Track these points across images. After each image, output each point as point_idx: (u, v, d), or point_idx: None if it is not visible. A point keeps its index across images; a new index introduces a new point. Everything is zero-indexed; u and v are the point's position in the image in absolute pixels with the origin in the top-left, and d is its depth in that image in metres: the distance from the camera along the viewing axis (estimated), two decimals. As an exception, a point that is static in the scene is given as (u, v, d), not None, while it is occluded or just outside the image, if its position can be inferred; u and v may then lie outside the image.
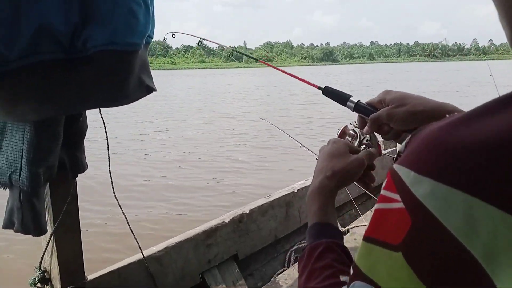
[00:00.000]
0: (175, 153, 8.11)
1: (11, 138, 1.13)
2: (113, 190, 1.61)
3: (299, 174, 6.20)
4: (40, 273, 1.49)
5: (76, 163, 1.30)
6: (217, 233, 2.24)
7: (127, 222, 1.67)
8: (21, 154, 1.11)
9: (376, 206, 0.48)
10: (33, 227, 1.17)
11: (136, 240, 1.70)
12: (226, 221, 2.31)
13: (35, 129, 1.08)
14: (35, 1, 0.81)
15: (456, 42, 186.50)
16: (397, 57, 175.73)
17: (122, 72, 0.99)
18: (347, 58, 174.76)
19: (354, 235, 2.90)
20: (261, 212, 2.52)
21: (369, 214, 3.26)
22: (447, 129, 0.45)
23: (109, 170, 1.58)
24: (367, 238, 0.48)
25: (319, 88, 1.02)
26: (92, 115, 1.32)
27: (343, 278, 0.63)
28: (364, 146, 0.96)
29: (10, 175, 1.13)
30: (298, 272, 0.71)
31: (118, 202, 1.61)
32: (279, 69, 1.38)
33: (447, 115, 0.49)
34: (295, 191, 2.78)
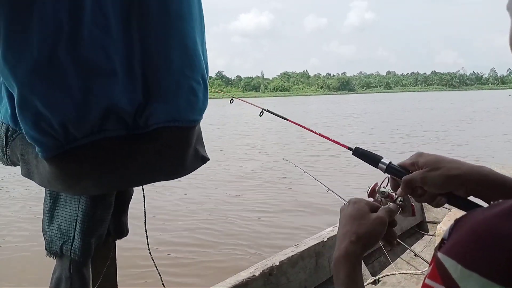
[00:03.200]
0: (196, 194, 8.06)
1: (64, 208, 1.15)
2: (149, 248, 1.60)
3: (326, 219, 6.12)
4: None
5: (121, 227, 1.31)
6: (247, 288, 2.21)
7: (161, 281, 1.65)
8: (74, 224, 1.12)
9: None
10: None
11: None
12: (256, 274, 2.27)
13: (91, 200, 1.10)
14: (104, 84, 0.84)
15: (474, 72, 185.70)
16: (414, 86, 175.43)
17: (182, 147, 1.02)
18: (363, 87, 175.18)
19: (385, 284, 2.83)
20: (291, 263, 2.48)
21: (399, 262, 3.18)
22: (496, 220, 0.43)
23: (145, 228, 1.57)
24: None
25: (349, 149, 1.01)
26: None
27: None
28: (398, 207, 0.93)
29: (62, 245, 1.14)
30: None
31: (154, 261, 1.59)
32: (308, 129, 1.37)
33: (492, 202, 0.49)
34: (325, 240, 2.74)
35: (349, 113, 31.38)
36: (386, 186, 0.98)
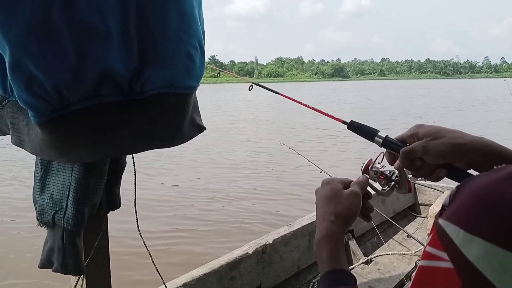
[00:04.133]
0: (190, 176, 8.08)
1: (56, 176, 1.13)
2: (137, 224, 1.58)
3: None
4: (68, 311, 1.47)
5: (114, 199, 1.29)
6: (240, 265, 2.20)
7: (151, 258, 1.63)
8: (67, 193, 1.10)
9: (420, 263, 0.46)
10: (74, 267, 1.15)
11: (161, 276, 1.67)
12: (250, 252, 2.27)
13: (84, 169, 1.07)
14: (99, 48, 0.81)
15: (467, 60, 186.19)
16: (408, 73, 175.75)
17: (178, 113, 1.00)
18: (357, 74, 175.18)
19: (378, 264, 2.84)
20: (284, 242, 2.48)
21: (391, 242, 3.20)
22: (500, 184, 0.42)
23: (135, 204, 1.55)
24: None
25: (344, 122, 0.99)
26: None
27: None
28: (393, 182, 0.93)
29: (54, 214, 1.12)
30: None
31: (142, 238, 1.57)
32: (302, 103, 1.36)
33: (495, 167, 0.48)
34: (318, 219, 2.74)
35: (344, 99, 31.39)
36: (381, 161, 0.96)
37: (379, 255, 2.90)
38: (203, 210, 5.86)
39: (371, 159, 0.97)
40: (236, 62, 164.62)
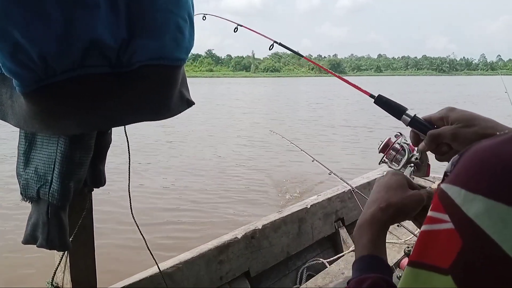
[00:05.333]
0: (184, 163, 8.08)
1: (41, 150, 1.11)
2: (130, 204, 1.57)
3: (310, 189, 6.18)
4: (52, 289, 1.46)
5: (98, 176, 1.27)
6: (229, 249, 2.20)
7: (144, 239, 1.62)
8: (52, 166, 1.08)
9: (423, 228, 0.45)
10: (59, 242, 1.13)
11: (154, 259, 1.66)
12: (239, 237, 2.27)
13: (69, 142, 1.06)
14: (87, 17, 0.79)
15: (464, 57, 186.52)
16: (405, 70, 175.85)
17: (167, 86, 0.99)
18: (354, 70, 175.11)
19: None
20: (274, 228, 2.48)
21: (388, 235, 3.20)
22: (502, 146, 0.42)
23: (129, 186, 1.54)
24: (412, 262, 0.45)
25: (371, 96, 0.94)
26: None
27: None
28: (412, 165, 0.89)
29: (39, 189, 1.10)
30: None
31: (134, 219, 1.56)
32: (339, 77, 1.27)
33: (498, 133, 0.46)
34: (308, 207, 2.74)
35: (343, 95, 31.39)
36: (398, 141, 0.93)
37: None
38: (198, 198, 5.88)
39: (390, 138, 0.93)
40: (232, 56, 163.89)
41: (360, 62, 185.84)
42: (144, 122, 1.09)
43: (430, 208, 0.46)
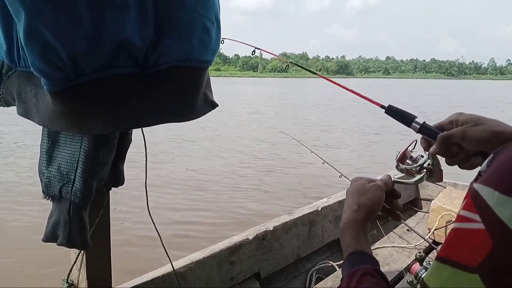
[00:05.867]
0: (195, 164, 8.08)
1: (64, 149, 1.11)
2: (147, 203, 1.57)
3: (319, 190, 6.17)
4: (67, 286, 1.47)
5: (118, 175, 1.28)
6: (240, 250, 2.20)
7: (160, 238, 1.62)
8: (75, 165, 1.08)
9: (454, 225, 0.47)
10: (80, 241, 1.14)
11: (169, 258, 1.67)
12: (250, 238, 2.27)
13: (93, 141, 1.06)
14: (116, 17, 0.80)
15: (473, 61, 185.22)
16: (413, 73, 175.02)
17: (193, 88, 0.99)
18: (362, 72, 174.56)
19: (377, 256, 2.83)
20: (285, 230, 2.48)
21: (392, 235, 3.19)
22: None
23: (145, 185, 1.54)
24: (440, 258, 0.46)
25: (382, 106, 0.99)
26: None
27: None
28: (425, 170, 0.93)
29: (62, 187, 1.10)
30: None
31: (151, 218, 1.56)
32: (342, 86, 1.34)
33: None
34: (319, 209, 2.73)
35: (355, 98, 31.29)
36: (413, 149, 0.98)
37: (379, 247, 2.90)
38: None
39: (407, 148, 0.98)
40: (240, 56, 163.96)
41: (368, 64, 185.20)
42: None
43: (462, 207, 0.47)
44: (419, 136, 0.92)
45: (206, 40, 0.95)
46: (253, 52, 1.68)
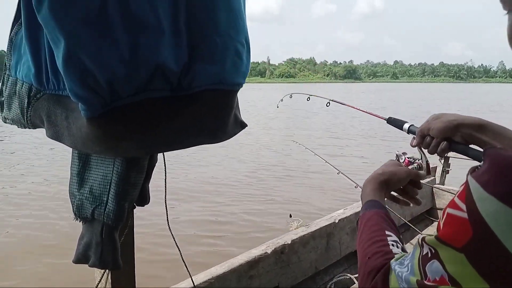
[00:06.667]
0: (209, 173, 8.08)
1: (96, 171, 1.11)
2: (167, 219, 1.57)
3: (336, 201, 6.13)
4: (92, 305, 1.47)
5: (144, 194, 1.28)
6: (259, 264, 2.20)
7: (180, 254, 1.62)
8: (108, 187, 1.08)
9: (448, 210, 0.53)
10: (112, 261, 1.14)
11: (189, 274, 1.66)
12: (269, 251, 2.26)
13: (126, 163, 1.06)
14: (152, 42, 0.81)
15: (482, 64, 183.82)
16: (421, 77, 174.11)
17: (224, 110, 1.00)
18: (370, 76, 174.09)
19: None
20: (303, 243, 2.47)
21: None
22: None
23: (165, 201, 1.55)
24: (437, 237, 0.54)
25: (384, 118, 1.27)
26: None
27: (394, 250, 0.74)
28: (415, 165, 1.14)
29: (94, 209, 1.10)
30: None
31: (172, 234, 1.56)
32: (345, 104, 1.58)
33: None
34: (336, 221, 2.72)
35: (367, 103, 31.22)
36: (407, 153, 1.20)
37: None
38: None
39: (404, 152, 1.21)
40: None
41: (376, 68, 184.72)
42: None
43: (457, 194, 0.53)
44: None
45: (238, 63, 0.96)
46: (328, 104, 1.83)
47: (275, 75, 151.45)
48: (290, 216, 3.76)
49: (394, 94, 48.80)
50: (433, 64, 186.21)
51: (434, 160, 3.97)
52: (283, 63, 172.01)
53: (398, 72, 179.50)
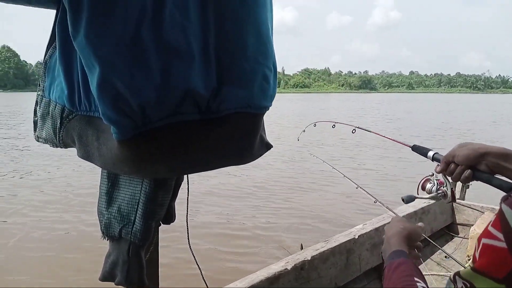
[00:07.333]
0: (224, 184, 8.08)
1: (124, 190, 1.13)
2: (188, 238, 1.59)
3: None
4: (116, 321, 1.48)
5: (170, 213, 1.30)
6: (279, 281, 2.18)
7: (200, 271, 1.64)
8: (136, 207, 1.10)
9: (483, 240, 0.53)
10: (138, 280, 1.15)
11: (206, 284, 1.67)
12: (288, 268, 2.25)
13: (154, 183, 1.08)
14: (183, 68, 0.83)
15: (499, 75, 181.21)
16: (438, 87, 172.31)
17: (251, 133, 1.03)
18: (385, 86, 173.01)
19: (415, 286, 2.77)
20: (322, 259, 2.45)
21: (429, 263, 3.12)
22: None
23: (187, 220, 1.56)
24: (474, 269, 0.53)
25: (409, 146, 1.33)
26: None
27: (419, 285, 0.76)
28: (440, 192, 1.23)
29: (122, 228, 1.12)
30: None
31: (192, 252, 1.58)
32: (372, 131, 1.69)
33: None
34: (356, 237, 2.70)
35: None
36: (433, 179, 1.29)
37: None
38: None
39: (427, 177, 1.30)
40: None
41: (391, 79, 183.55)
42: None
43: (490, 223, 0.53)
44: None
45: (265, 87, 0.99)
46: (353, 131, 1.87)
47: (290, 85, 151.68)
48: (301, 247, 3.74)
49: (410, 106, 48.38)
50: (449, 74, 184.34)
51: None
52: (298, 73, 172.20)
53: (413, 83, 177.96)
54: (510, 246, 0.48)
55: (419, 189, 1.34)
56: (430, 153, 1.17)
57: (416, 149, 1.27)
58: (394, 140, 1.43)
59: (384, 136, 1.43)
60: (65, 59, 0.96)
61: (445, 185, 1.20)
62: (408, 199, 1.27)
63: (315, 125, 2.24)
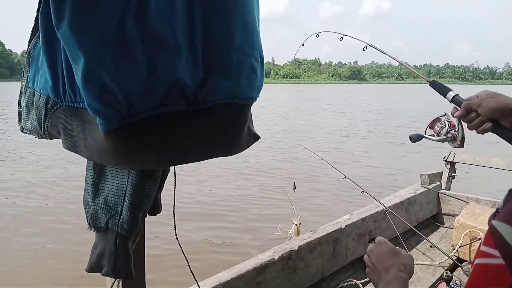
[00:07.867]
0: (212, 176, 8.10)
1: (110, 181, 1.13)
2: (175, 229, 1.59)
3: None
4: (103, 311, 1.49)
5: (157, 204, 1.30)
6: (266, 271, 2.21)
7: (187, 262, 1.64)
8: (122, 198, 1.10)
9: (476, 261, 0.50)
10: (125, 271, 1.15)
11: (196, 280, 1.68)
12: (276, 258, 2.27)
13: (141, 174, 1.08)
14: (169, 59, 0.83)
15: (488, 66, 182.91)
16: (427, 78, 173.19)
17: (239, 124, 1.02)
18: (375, 77, 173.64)
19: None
20: (309, 249, 2.48)
21: (415, 252, 3.16)
22: None
23: (173, 212, 1.56)
24: None
25: (428, 80, 1.26)
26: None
27: None
28: (450, 136, 1.15)
29: (108, 219, 1.11)
30: None
31: (179, 243, 1.58)
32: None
33: None
34: (343, 227, 2.73)
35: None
36: (444, 119, 1.22)
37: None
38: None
39: (438, 117, 1.23)
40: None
41: (381, 69, 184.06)
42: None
43: (482, 242, 0.50)
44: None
45: (252, 78, 0.98)
46: (365, 48, 1.79)
47: (280, 76, 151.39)
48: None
49: (402, 97, 48.66)
50: (438, 65, 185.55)
51: (441, 166, 3.97)
52: (288, 63, 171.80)
53: (403, 73, 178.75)
54: (508, 260, 0.46)
55: (427, 129, 1.27)
56: (451, 94, 1.10)
57: (435, 85, 1.18)
58: (413, 71, 1.43)
59: (399, 61, 1.47)
60: (49, 49, 0.94)
61: (457, 128, 1.11)
62: (416, 138, 1.22)
63: (317, 36, 2.09)
